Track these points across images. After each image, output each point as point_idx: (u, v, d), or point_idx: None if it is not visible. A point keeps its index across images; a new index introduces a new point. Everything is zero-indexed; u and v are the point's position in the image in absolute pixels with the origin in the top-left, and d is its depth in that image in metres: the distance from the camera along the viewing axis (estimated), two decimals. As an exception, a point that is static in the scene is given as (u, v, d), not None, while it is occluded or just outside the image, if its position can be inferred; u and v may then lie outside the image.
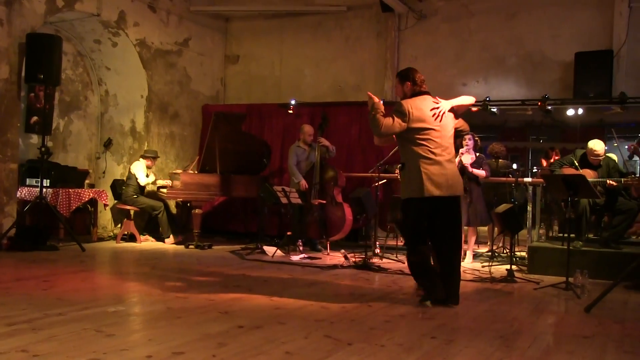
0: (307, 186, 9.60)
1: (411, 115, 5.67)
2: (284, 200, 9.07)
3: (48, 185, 9.21)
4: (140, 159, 10.34)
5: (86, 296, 5.68)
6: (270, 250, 9.14)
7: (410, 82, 5.90)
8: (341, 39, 11.77)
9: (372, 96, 5.84)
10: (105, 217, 10.81)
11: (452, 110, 5.85)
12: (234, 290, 6.23)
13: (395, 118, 5.69)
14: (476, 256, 9.09)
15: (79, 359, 3.70)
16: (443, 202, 5.69)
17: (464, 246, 8.88)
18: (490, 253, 9.20)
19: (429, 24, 11.09)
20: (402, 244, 10.04)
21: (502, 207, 7.72)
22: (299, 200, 9.07)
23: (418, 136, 5.69)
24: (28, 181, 9.46)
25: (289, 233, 9.39)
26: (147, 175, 10.24)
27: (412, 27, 11.17)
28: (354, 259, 8.37)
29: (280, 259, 8.67)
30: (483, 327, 4.99)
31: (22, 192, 9.29)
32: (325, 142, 9.65)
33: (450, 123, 5.84)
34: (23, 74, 8.85)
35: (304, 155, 9.82)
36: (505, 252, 9.21)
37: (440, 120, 5.72)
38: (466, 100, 5.99)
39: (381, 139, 6.03)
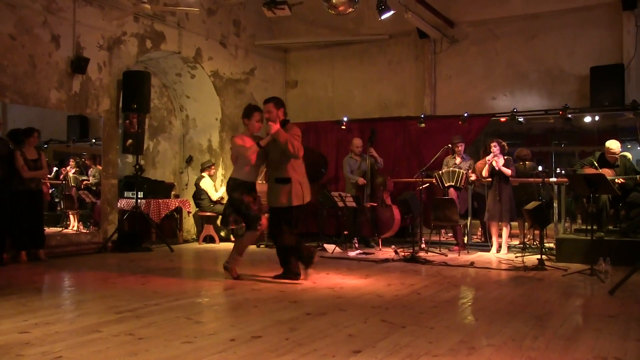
0: (364, 180, 9.46)
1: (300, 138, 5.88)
2: (340, 204, 9.07)
3: (142, 196, 9.45)
4: (204, 174, 10.41)
5: (176, 289, 5.78)
6: (330, 247, 9.15)
7: (284, 110, 5.94)
8: (384, 63, 11.73)
9: (276, 126, 5.82)
10: (188, 223, 11.00)
11: None
12: (300, 282, 6.26)
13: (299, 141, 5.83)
14: (510, 248, 8.91)
15: (175, 342, 3.77)
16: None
17: (499, 239, 8.74)
18: (522, 245, 9.02)
19: (460, 47, 10.97)
20: (444, 239, 9.98)
21: (531, 205, 7.56)
22: (353, 204, 9.05)
23: (300, 157, 5.92)
24: (125, 194, 9.73)
25: (345, 232, 9.37)
26: (216, 190, 10.39)
27: (445, 50, 11.07)
28: (403, 254, 8.31)
29: (338, 255, 8.67)
30: (518, 309, 4.90)
31: (122, 203, 9.54)
32: (374, 154, 9.56)
33: None
34: (120, 105, 9.12)
35: (356, 165, 9.78)
36: (535, 243, 9.01)
37: None
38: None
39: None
